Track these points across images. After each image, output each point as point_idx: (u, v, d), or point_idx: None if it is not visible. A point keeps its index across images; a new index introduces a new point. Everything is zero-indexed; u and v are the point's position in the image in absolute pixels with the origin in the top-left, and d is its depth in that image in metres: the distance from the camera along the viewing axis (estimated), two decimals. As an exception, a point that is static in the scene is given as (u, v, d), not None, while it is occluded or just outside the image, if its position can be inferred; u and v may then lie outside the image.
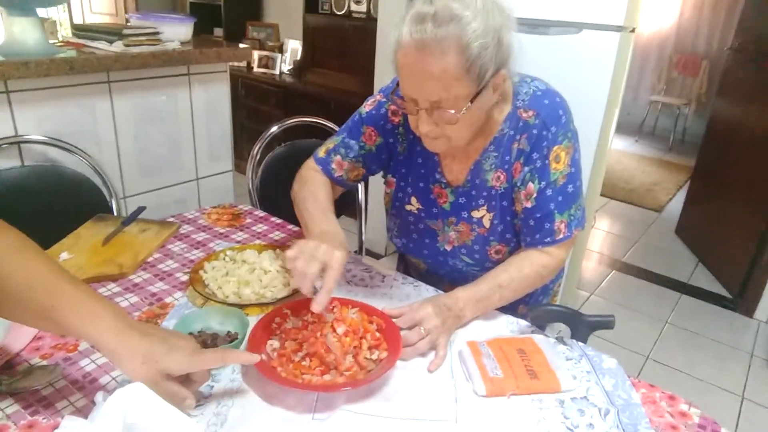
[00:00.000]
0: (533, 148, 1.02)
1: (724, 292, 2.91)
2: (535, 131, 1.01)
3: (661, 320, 2.64)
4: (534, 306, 1.17)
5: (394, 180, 1.19)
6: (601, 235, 3.58)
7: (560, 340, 0.94)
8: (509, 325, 1.01)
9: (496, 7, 0.89)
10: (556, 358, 0.89)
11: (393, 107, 1.13)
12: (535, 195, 1.03)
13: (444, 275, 1.21)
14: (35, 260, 0.70)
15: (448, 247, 1.16)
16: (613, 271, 3.09)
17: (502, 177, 1.06)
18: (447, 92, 0.88)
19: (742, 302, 2.77)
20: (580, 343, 0.95)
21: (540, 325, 0.98)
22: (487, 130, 1.05)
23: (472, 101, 0.91)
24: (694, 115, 5.64)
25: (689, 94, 5.62)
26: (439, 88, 0.88)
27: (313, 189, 1.12)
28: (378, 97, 1.17)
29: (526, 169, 1.03)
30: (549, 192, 1.03)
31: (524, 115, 1.02)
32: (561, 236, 1.04)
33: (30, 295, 0.67)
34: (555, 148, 1.01)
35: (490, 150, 1.06)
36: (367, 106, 1.17)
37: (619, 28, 1.94)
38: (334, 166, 1.17)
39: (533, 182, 1.03)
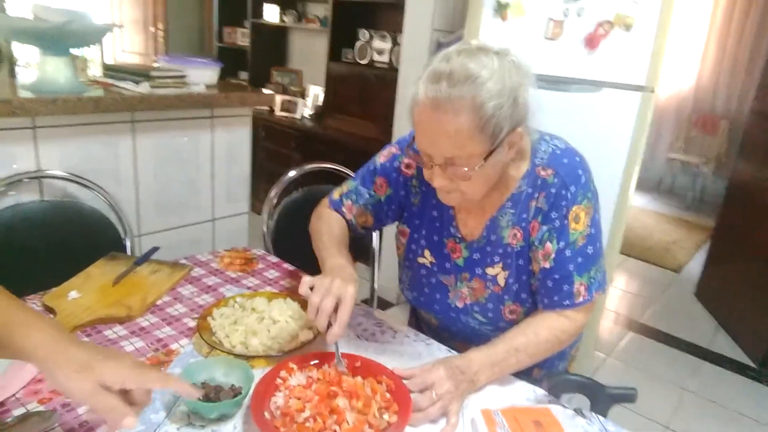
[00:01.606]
0: (552, 207, 1.00)
1: (747, 361, 2.79)
2: (553, 190, 1.00)
3: (681, 387, 2.53)
4: (552, 374, 1.12)
5: (408, 231, 1.18)
6: (618, 293, 3.50)
7: (579, 411, 0.89)
8: (526, 393, 0.96)
9: (514, 66, 0.90)
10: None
11: (406, 161, 1.15)
12: (553, 255, 1.00)
13: (456, 332, 1.18)
14: None
15: (460, 304, 1.13)
16: (631, 333, 3.00)
17: (518, 235, 1.04)
18: (461, 150, 0.89)
19: (766, 372, 2.65)
20: (600, 417, 0.90)
21: (557, 394, 0.93)
22: (503, 187, 1.04)
23: (486, 159, 0.90)
24: (714, 174, 5.59)
25: (708, 153, 5.60)
26: (452, 146, 0.89)
27: (329, 222, 1.17)
28: (393, 149, 1.18)
29: (545, 228, 1.01)
30: (568, 253, 1.00)
31: (543, 173, 1.01)
32: (581, 299, 1.01)
33: None
34: (574, 207, 0.99)
35: (507, 206, 1.05)
36: (381, 157, 1.19)
37: (639, 88, 1.95)
38: (344, 209, 1.20)
39: (551, 242, 1.00)
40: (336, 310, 0.89)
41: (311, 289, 0.90)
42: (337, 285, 0.90)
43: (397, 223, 1.23)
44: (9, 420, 0.77)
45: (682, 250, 4.32)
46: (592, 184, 1.03)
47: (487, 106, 0.85)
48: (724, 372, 2.70)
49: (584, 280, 1.01)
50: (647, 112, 1.98)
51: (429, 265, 1.16)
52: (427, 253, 1.15)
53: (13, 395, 0.83)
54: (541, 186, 1.01)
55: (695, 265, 3.85)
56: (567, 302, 1.01)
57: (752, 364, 2.76)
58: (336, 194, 1.22)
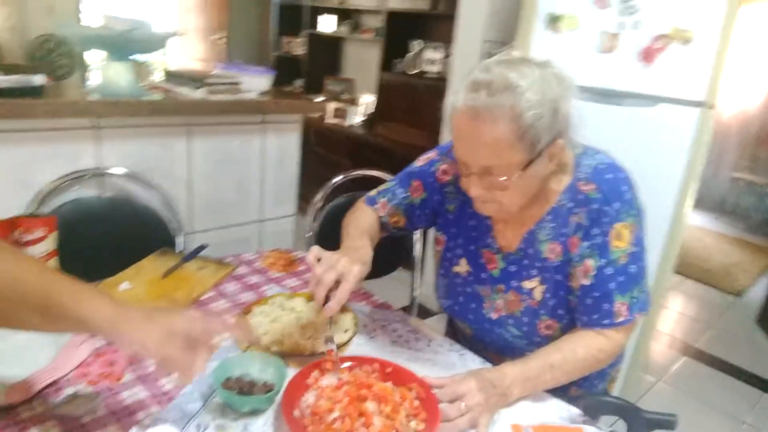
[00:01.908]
0: (593, 223, 0.97)
1: (812, 396, 2.60)
2: (595, 206, 0.97)
3: (737, 420, 2.39)
4: (588, 394, 1.09)
5: (444, 239, 1.18)
6: (672, 315, 3.34)
7: (614, 434, 0.86)
8: (559, 411, 0.94)
9: (555, 78, 0.89)
10: (609, 454, 0.81)
11: (444, 166, 1.15)
12: (593, 273, 0.98)
13: (489, 343, 1.16)
14: (21, 257, 0.70)
15: (494, 316, 1.11)
16: (685, 358, 2.86)
17: (557, 249, 1.02)
18: (498, 159, 0.89)
19: (834, 409, 2.47)
20: (637, 441, 0.86)
21: (593, 415, 0.90)
22: (544, 200, 1.02)
23: (524, 169, 0.90)
24: (783, 196, 5.27)
25: (777, 173, 5.28)
26: (490, 155, 0.89)
27: (360, 216, 1.19)
28: (432, 154, 1.19)
29: (585, 244, 0.98)
30: (609, 271, 0.97)
31: (584, 188, 0.99)
32: (621, 319, 0.97)
33: (21, 288, 0.65)
34: (617, 225, 0.97)
35: (546, 220, 1.03)
36: (420, 161, 1.20)
37: (698, 104, 1.87)
38: (378, 206, 1.21)
39: (592, 259, 0.98)
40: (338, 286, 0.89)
41: (318, 260, 0.91)
42: (342, 262, 0.91)
43: (434, 230, 1.23)
44: (59, 399, 0.83)
45: (744, 274, 4.09)
46: (637, 201, 0.99)
47: (526, 115, 0.85)
48: (787, 407, 2.53)
49: (625, 299, 0.97)
50: (706, 128, 1.89)
51: (464, 274, 1.15)
52: (463, 262, 1.15)
53: (65, 376, 0.88)
54: (582, 201, 0.99)
55: (758, 290, 3.63)
56: (606, 321, 0.98)
57: (818, 400, 2.57)
58: (373, 192, 1.25)
